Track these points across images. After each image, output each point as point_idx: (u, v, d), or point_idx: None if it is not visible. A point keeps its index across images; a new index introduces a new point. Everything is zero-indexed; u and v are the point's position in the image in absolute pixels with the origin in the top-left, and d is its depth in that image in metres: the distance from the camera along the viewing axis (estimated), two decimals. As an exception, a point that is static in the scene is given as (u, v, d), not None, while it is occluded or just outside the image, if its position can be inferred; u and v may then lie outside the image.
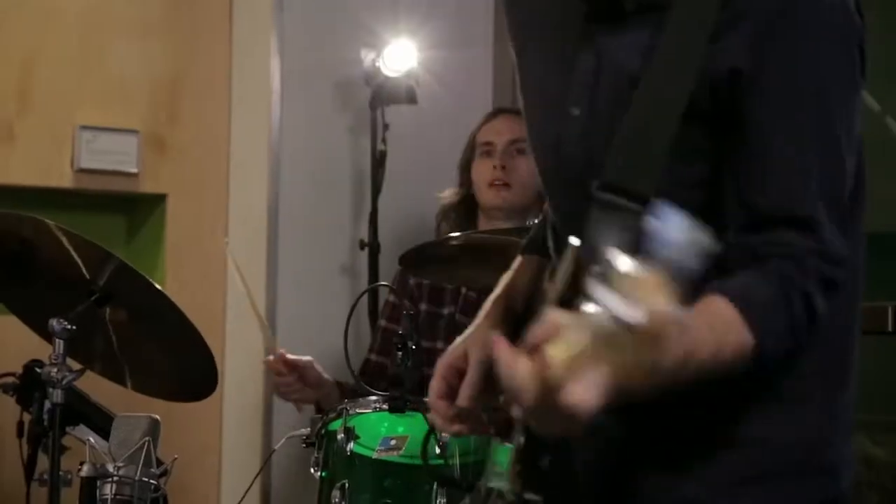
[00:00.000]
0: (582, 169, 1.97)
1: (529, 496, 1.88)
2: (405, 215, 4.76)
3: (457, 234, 3.57)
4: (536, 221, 2.29)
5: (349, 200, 4.83)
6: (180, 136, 4.64)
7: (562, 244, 1.92)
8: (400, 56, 4.65)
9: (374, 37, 4.69)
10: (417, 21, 4.75)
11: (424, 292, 4.12)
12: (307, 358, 3.76)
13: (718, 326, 1.79)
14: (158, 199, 4.64)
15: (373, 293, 4.46)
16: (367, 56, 4.66)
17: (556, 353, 1.53)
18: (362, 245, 4.67)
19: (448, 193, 4.22)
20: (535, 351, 1.55)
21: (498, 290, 2.20)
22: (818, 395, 2.03)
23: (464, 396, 2.04)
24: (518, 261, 2.25)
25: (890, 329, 4.04)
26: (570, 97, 2.00)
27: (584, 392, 1.53)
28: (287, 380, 3.74)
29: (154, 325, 3.29)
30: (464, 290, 4.04)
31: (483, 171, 4.11)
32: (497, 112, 4.29)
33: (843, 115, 1.92)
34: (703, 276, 1.59)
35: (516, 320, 2.14)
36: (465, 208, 4.16)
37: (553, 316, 1.56)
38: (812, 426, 2.03)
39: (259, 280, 4.64)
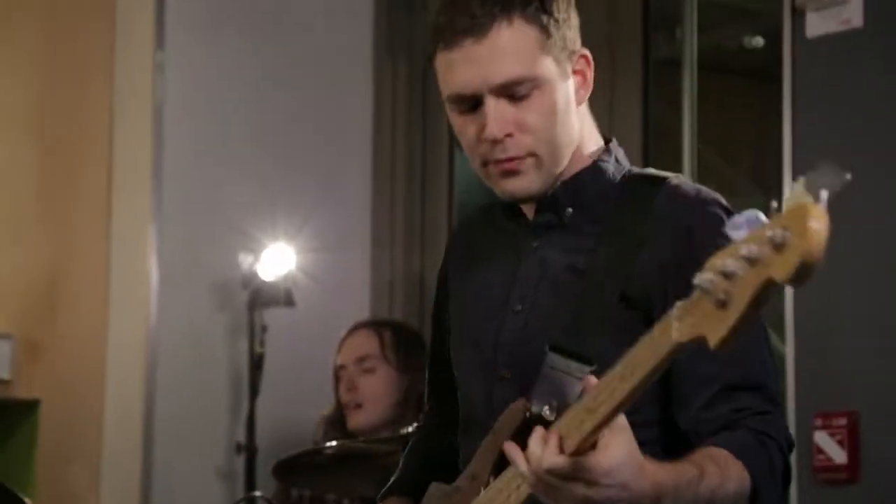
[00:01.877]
0: (513, 355, 2.13)
1: None
2: (283, 418, 4.73)
3: (331, 443, 3.56)
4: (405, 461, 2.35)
5: (226, 403, 4.80)
6: (55, 339, 4.60)
7: (476, 429, 2.12)
8: (278, 259, 4.68)
9: (252, 240, 4.72)
10: (296, 224, 4.78)
11: (305, 503, 4.07)
12: None
13: (720, 460, 1.91)
14: (32, 405, 4.58)
15: (249, 499, 4.41)
16: (245, 259, 4.68)
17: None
18: (239, 448, 4.63)
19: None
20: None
21: None
22: None
23: None
24: None
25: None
26: (512, 296, 2.17)
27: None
28: None
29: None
30: (346, 500, 4.00)
31: (340, 395, 4.12)
32: (353, 328, 4.26)
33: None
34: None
35: None
36: (343, 419, 4.14)
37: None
38: None
39: (133, 482, 4.57)
